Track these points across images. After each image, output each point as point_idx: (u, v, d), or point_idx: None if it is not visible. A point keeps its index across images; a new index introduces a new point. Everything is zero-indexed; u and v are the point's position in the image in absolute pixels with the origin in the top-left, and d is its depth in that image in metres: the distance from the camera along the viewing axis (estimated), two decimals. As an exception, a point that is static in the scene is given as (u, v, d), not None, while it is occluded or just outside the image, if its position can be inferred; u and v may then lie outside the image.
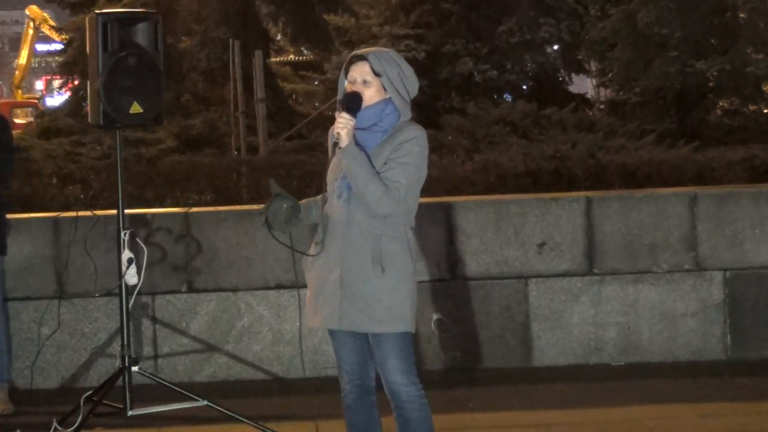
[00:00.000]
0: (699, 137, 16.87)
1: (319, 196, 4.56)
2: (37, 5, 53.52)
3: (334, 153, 4.50)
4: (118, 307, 5.88)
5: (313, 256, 4.47)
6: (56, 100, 44.74)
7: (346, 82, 4.49)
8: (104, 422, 5.85)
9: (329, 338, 4.68)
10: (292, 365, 6.93)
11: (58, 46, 29.61)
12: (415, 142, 4.40)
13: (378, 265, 4.38)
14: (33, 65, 69.60)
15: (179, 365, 6.91)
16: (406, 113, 4.46)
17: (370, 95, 4.40)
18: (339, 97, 4.53)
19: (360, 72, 4.41)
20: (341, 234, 4.40)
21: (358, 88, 4.40)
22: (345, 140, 4.31)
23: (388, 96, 4.43)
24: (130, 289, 5.78)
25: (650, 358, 7.06)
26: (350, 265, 4.38)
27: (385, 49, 4.57)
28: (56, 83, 39.57)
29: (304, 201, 4.54)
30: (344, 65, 4.49)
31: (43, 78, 74.06)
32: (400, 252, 4.43)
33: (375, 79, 4.40)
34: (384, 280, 4.38)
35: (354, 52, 4.51)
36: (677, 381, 6.69)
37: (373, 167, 4.33)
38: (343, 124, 4.32)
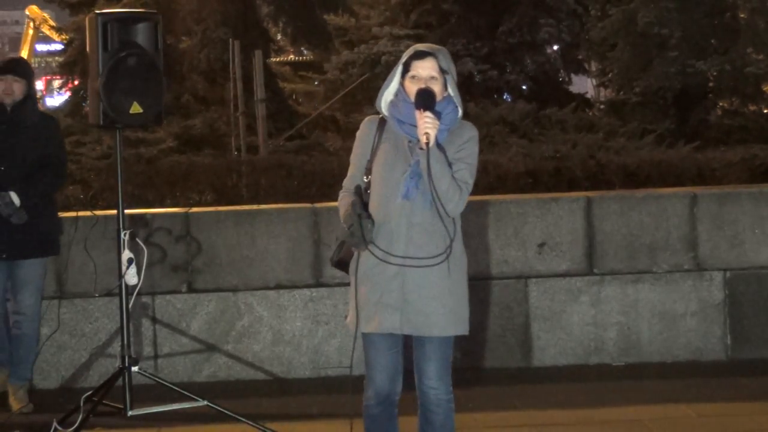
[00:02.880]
0: (699, 137, 16.89)
1: (349, 196, 4.42)
2: (37, 5, 53.53)
3: (377, 147, 4.39)
4: (118, 307, 5.88)
5: (433, 264, 4.30)
6: (56, 100, 44.69)
7: (398, 76, 4.39)
8: (104, 422, 5.85)
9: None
10: (292, 365, 6.93)
11: (58, 46, 29.63)
12: (474, 141, 4.43)
13: (445, 266, 4.34)
14: (33, 65, 69.49)
15: (179, 365, 6.91)
16: (462, 110, 4.43)
17: (436, 92, 4.34)
18: (386, 88, 4.43)
19: (427, 68, 4.34)
20: (404, 235, 4.33)
21: (425, 84, 4.32)
22: (433, 140, 4.23)
23: (446, 93, 4.38)
24: (130, 289, 5.78)
25: (650, 358, 7.06)
26: (413, 268, 4.31)
27: (442, 47, 4.49)
28: (56, 83, 39.56)
29: (352, 201, 4.37)
30: (403, 60, 4.40)
31: (43, 78, 74.03)
32: (460, 251, 4.43)
33: (440, 77, 4.35)
34: (449, 281, 4.36)
35: (416, 47, 4.43)
36: (677, 381, 6.68)
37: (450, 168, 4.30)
38: (431, 125, 4.22)
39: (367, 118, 4.56)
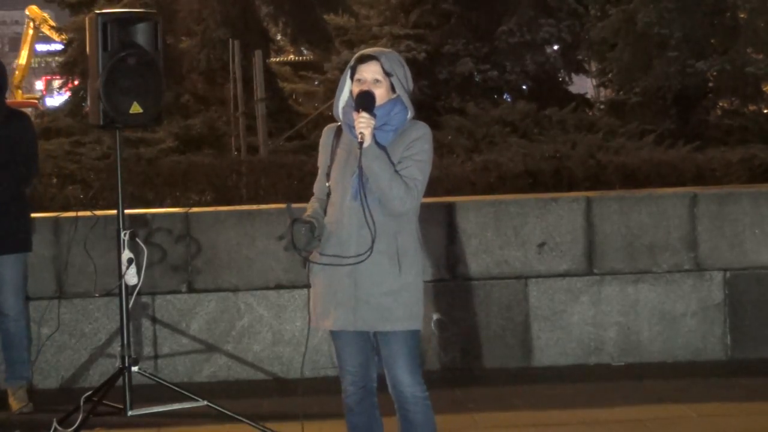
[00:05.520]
0: (699, 137, 16.87)
1: (314, 202, 4.57)
2: (37, 5, 53.54)
3: (334, 152, 4.52)
4: (118, 307, 5.88)
5: (356, 262, 4.37)
6: (56, 100, 44.74)
7: (349, 82, 4.51)
8: (104, 422, 5.85)
9: (329, 339, 4.68)
10: (292, 365, 6.93)
11: (58, 46, 29.59)
12: (425, 139, 4.47)
13: (395, 263, 4.41)
14: (33, 65, 69.59)
15: (179, 365, 6.91)
16: (412, 111, 4.51)
17: (380, 95, 4.43)
18: (340, 95, 4.55)
19: (370, 71, 4.44)
20: (355, 235, 4.40)
21: (369, 87, 4.42)
22: (368, 140, 4.32)
23: (395, 95, 4.46)
24: (130, 289, 5.78)
25: (650, 358, 7.06)
26: (365, 265, 4.38)
27: (389, 50, 4.62)
28: (56, 83, 39.58)
29: (308, 213, 4.51)
30: (350, 64, 4.51)
31: (43, 78, 74.08)
32: (414, 249, 4.49)
33: (385, 79, 4.44)
34: (401, 278, 4.42)
35: (361, 52, 4.54)
36: (677, 381, 6.69)
37: (393, 165, 4.37)
38: (365, 124, 4.32)
39: (326, 127, 4.69)
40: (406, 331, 4.46)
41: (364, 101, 4.37)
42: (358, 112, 4.35)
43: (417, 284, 4.51)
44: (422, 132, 4.48)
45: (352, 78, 4.50)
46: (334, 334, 4.59)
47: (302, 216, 4.43)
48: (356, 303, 4.42)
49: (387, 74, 4.44)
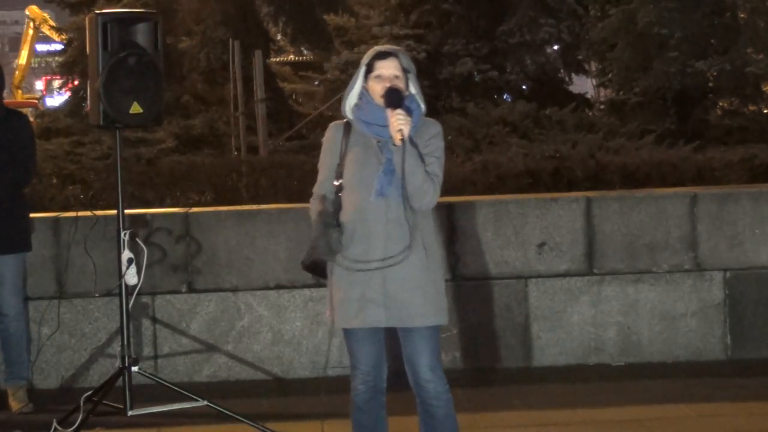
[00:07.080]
0: (699, 137, 16.90)
1: (319, 203, 4.48)
2: (37, 5, 53.52)
3: (346, 151, 4.45)
4: (118, 307, 5.88)
5: (393, 264, 4.35)
6: (56, 100, 44.78)
7: (361, 78, 4.46)
8: (104, 422, 5.85)
9: (339, 338, 4.67)
10: (292, 365, 6.93)
11: (58, 46, 29.64)
12: (440, 137, 4.50)
13: (423, 258, 4.41)
14: (33, 65, 69.59)
15: (179, 365, 6.91)
16: (424, 107, 4.51)
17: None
18: (350, 91, 4.49)
19: (390, 67, 4.42)
20: (382, 231, 4.38)
21: (391, 83, 4.39)
22: (406, 137, 4.30)
23: (407, 93, 4.43)
24: (130, 289, 5.78)
25: (650, 358, 7.06)
26: (394, 261, 4.38)
27: (400, 48, 4.61)
28: (56, 83, 39.63)
29: (320, 210, 4.44)
30: (366, 60, 4.46)
31: (43, 78, 74.12)
32: (435, 243, 4.53)
33: (403, 76, 4.43)
34: (428, 273, 4.44)
35: (378, 48, 4.51)
36: (677, 381, 6.68)
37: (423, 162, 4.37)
38: (404, 121, 4.30)
39: (332, 124, 4.62)
40: (430, 327, 4.47)
41: (395, 98, 4.33)
42: (391, 109, 4.31)
43: (441, 279, 4.53)
44: (438, 129, 4.50)
45: (366, 75, 4.45)
46: (349, 333, 4.54)
47: (330, 220, 4.39)
48: (386, 299, 4.40)
49: (405, 71, 4.43)
